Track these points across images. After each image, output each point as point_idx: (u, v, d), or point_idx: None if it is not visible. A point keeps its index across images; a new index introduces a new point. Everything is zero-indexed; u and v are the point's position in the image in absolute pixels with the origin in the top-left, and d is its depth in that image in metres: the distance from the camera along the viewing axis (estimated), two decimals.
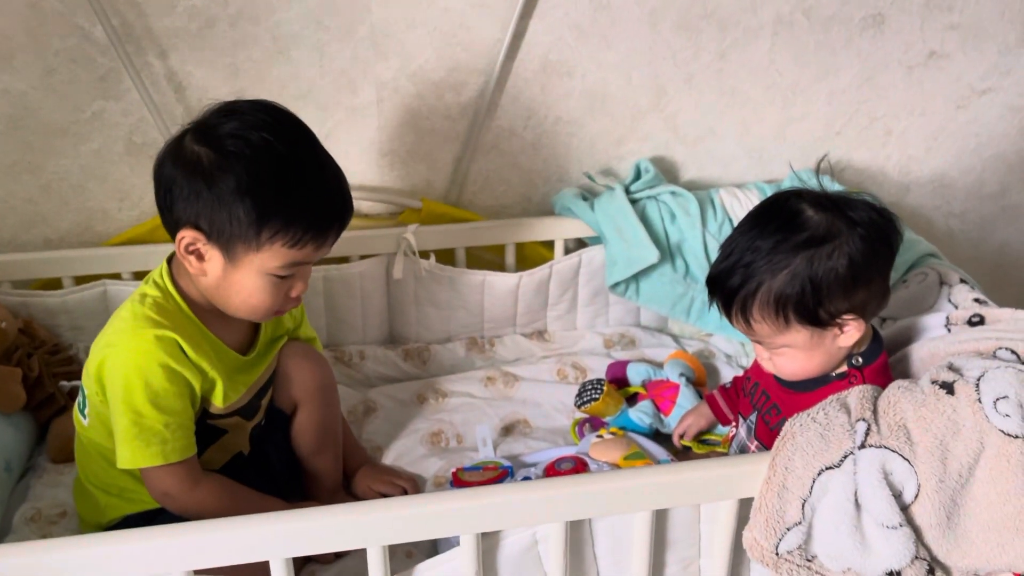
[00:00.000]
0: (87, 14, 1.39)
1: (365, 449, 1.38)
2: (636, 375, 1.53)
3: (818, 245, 1.05)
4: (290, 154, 1.03)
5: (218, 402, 1.12)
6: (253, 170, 1.01)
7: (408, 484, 1.31)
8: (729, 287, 1.09)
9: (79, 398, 1.16)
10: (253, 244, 1.03)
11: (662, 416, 1.45)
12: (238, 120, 1.04)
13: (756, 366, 1.25)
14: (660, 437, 1.43)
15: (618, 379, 1.54)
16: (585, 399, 1.44)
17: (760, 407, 1.23)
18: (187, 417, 1.09)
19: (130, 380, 1.04)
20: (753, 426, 1.23)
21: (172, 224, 1.06)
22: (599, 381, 1.46)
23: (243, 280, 1.06)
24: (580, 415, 1.48)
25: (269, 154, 1.02)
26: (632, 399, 1.50)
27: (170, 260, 1.13)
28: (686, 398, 1.45)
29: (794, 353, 1.11)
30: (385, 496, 1.27)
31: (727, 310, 1.11)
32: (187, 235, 1.04)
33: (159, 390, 1.05)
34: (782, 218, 1.08)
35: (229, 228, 1.02)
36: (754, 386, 1.26)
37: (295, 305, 1.13)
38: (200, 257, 1.06)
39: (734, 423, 1.32)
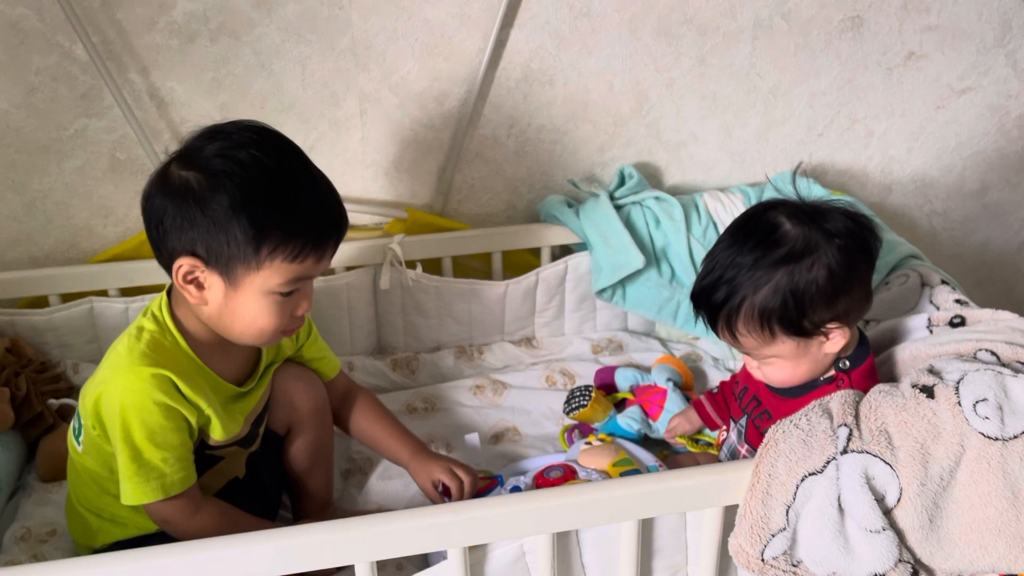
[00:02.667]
0: (67, 32, 1.40)
1: (415, 437, 1.30)
2: (624, 380, 1.54)
3: (797, 260, 1.06)
4: (280, 168, 1.02)
5: (217, 435, 1.11)
6: (245, 187, 0.99)
7: (465, 475, 1.23)
8: (713, 303, 1.10)
9: (74, 423, 1.15)
10: (253, 263, 1.01)
11: (650, 421, 1.45)
12: (223, 140, 1.02)
13: (745, 372, 1.26)
14: (648, 442, 1.44)
15: (606, 385, 1.55)
16: (574, 406, 1.45)
17: (750, 412, 1.24)
18: (185, 450, 1.08)
19: (126, 418, 1.03)
20: (743, 430, 1.24)
21: (168, 256, 1.04)
22: (587, 387, 1.46)
23: (246, 304, 1.04)
24: (569, 422, 1.49)
25: (259, 169, 1.00)
26: (620, 404, 1.51)
27: (169, 292, 1.12)
28: (674, 403, 1.45)
29: (782, 363, 1.12)
30: (444, 485, 1.23)
31: (713, 324, 1.12)
32: (184, 263, 1.01)
33: (155, 427, 1.04)
34: (761, 233, 1.09)
35: (227, 250, 1.00)
36: (743, 391, 1.27)
37: (300, 324, 1.11)
38: (199, 286, 1.04)
39: (724, 427, 1.33)
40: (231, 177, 0.99)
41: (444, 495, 1.23)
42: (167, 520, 1.09)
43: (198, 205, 1.00)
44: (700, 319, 1.14)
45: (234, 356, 1.13)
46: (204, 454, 1.13)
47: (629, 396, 1.52)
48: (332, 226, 1.06)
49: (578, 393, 1.46)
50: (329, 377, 1.31)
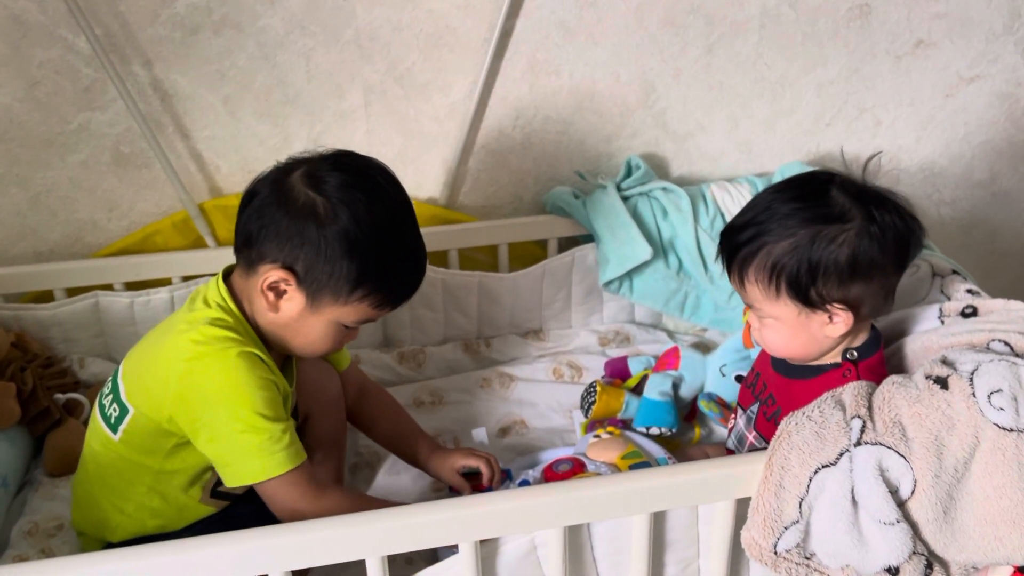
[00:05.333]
0: (70, 25, 1.38)
1: (428, 434, 1.34)
2: (638, 365, 1.54)
3: (827, 223, 1.05)
4: (398, 223, 1.07)
5: None
6: (366, 231, 1.03)
7: (482, 459, 1.27)
8: (736, 242, 1.10)
9: (109, 412, 1.12)
10: (342, 298, 1.05)
11: (675, 376, 1.45)
12: (352, 175, 1.05)
13: (761, 357, 1.25)
14: (668, 428, 1.41)
15: (618, 374, 1.54)
16: (586, 407, 1.46)
17: (760, 396, 1.23)
18: (292, 422, 1.09)
19: (232, 401, 1.03)
20: (753, 416, 1.24)
21: (256, 256, 1.05)
22: (591, 385, 1.47)
23: (316, 325, 1.08)
24: (585, 420, 1.48)
25: (382, 219, 1.04)
26: (638, 389, 1.49)
27: (226, 279, 1.12)
28: (690, 351, 1.48)
29: (780, 327, 1.11)
30: (469, 472, 1.27)
31: (728, 265, 1.12)
32: (275, 275, 1.04)
33: (265, 400, 1.04)
34: (807, 189, 1.09)
35: (325, 279, 1.03)
36: (755, 376, 1.26)
37: (339, 349, 1.16)
38: (279, 295, 1.06)
39: (733, 415, 1.32)
40: (356, 218, 1.02)
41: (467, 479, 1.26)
42: (297, 509, 1.05)
43: (318, 231, 1.02)
44: (718, 260, 1.14)
45: (277, 349, 1.15)
46: None
47: (646, 372, 1.51)
48: (417, 285, 1.11)
49: (585, 393, 1.47)
50: (339, 369, 1.32)
